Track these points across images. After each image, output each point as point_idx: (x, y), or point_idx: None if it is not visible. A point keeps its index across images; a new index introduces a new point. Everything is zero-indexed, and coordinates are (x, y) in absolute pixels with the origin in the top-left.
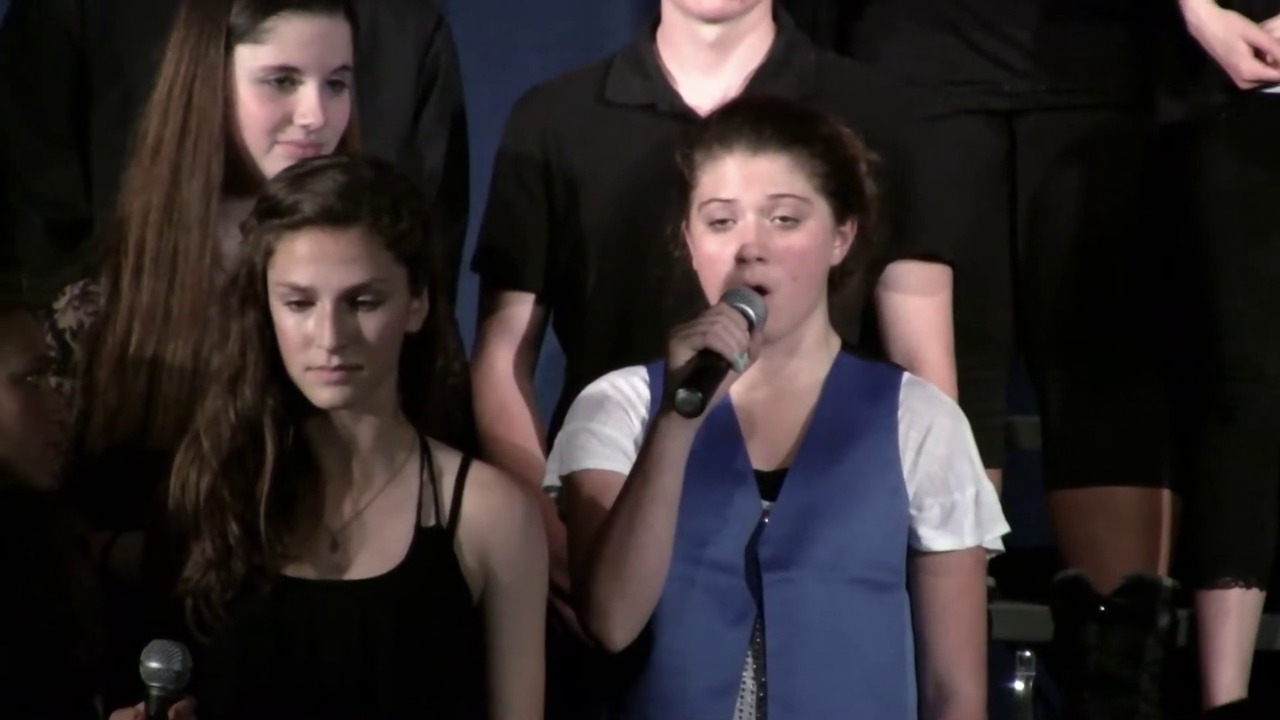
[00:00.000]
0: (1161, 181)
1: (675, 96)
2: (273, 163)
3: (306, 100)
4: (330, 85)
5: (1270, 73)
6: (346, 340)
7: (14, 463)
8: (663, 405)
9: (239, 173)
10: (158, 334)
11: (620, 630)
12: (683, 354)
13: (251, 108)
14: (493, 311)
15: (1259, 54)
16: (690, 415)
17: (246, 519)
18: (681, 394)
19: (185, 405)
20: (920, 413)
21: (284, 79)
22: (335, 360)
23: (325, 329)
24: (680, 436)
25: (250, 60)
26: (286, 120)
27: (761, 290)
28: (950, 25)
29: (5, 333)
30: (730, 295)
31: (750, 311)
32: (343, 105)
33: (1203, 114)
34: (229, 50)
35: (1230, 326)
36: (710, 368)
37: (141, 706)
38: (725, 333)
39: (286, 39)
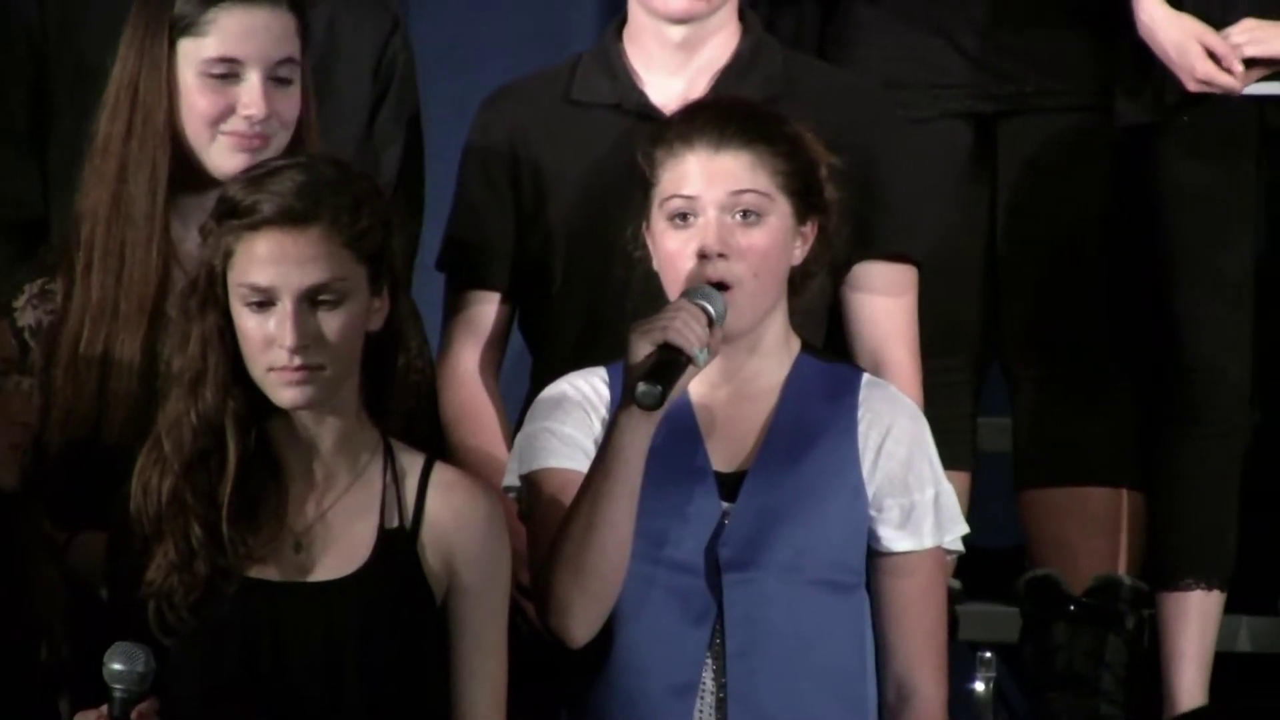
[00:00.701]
0: (1127, 182)
1: (641, 96)
2: (218, 154)
3: (249, 91)
4: (276, 78)
5: (1222, 77)
6: (308, 340)
7: None
8: (623, 399)
9: (190, 168)
10: (107, 329)
11: (580, 626)
12: (643, 348)
13: (195, 100)
14: (458, 311)
15: (1212, 58)
16: (650, 408)
17: (209, 521)
18: (641, 387)
19: (136, 401)
20: (880, 413)
21: (227, 72)
22: (297, 360)
23: (287, 329)
24: (640, 431)
25: (194, 53)
26: (230, 112)
27: (723, 286)
28: (937, 28)
29: None
30: (691, 292)
31: (710, 308)
32: (290, 98)
33: (1160, 115)
34: (173, 44)
35: (1193, 327)
36: (671, 362)
37: (105, 708)
38: (685, 328)
39: (227, 30)
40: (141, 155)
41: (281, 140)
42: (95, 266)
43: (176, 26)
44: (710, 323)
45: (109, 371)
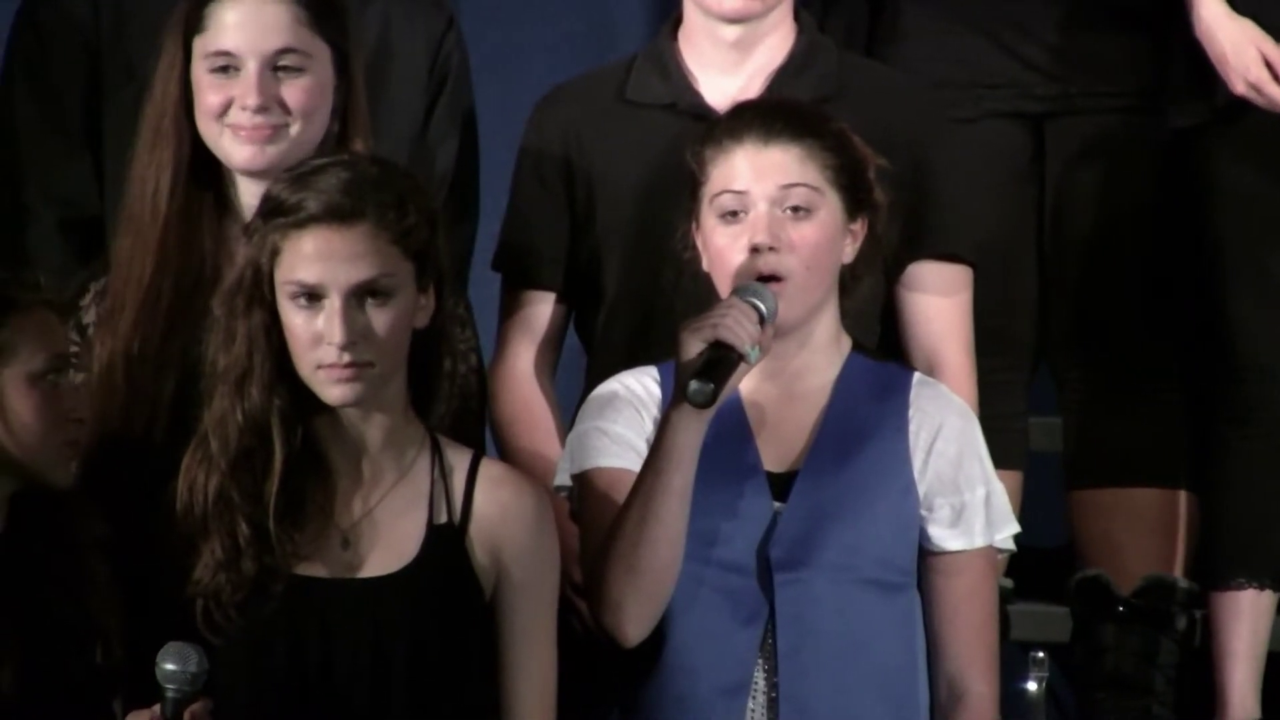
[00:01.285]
0: (1176, 183)
1: (696, 96)
2: (228, 147)
3: (244, 82)
4: (279, 68)
5: (1272, 87)
6: (357, 336)
7: (32, 462)
8: (674, 397)
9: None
10: (143, 328)
11: (633, 625)
12: (694, 346)
13: (202, 95)
14: (514, 311)
15: (1268, 66)
16: (702, 406)
17: (255, 519)
18: (693, 385)
19: (181, 399)
20: (930, 413)
21: (226, 65)
22: (346, 357)
23: (336, 325)
24: (692, 429)
25: (199, 49)
26: (231, 104)
27: (774, 279)
28: (983, 28)
29: (23, 331)
30: (741, 289)
31: (761, 305)
32: (300, 88)
33: (1213, 117)
34: (189, 44)
35: (1242, 329)
36: (722, 360)
37: (158, 708)
38: (737, 325)
39: (223, 24)
40: (163, 154)
41: (299, 130)
42: (135, 263)
43: (189, 26)
44: (761, 320)
45: (154, 370)
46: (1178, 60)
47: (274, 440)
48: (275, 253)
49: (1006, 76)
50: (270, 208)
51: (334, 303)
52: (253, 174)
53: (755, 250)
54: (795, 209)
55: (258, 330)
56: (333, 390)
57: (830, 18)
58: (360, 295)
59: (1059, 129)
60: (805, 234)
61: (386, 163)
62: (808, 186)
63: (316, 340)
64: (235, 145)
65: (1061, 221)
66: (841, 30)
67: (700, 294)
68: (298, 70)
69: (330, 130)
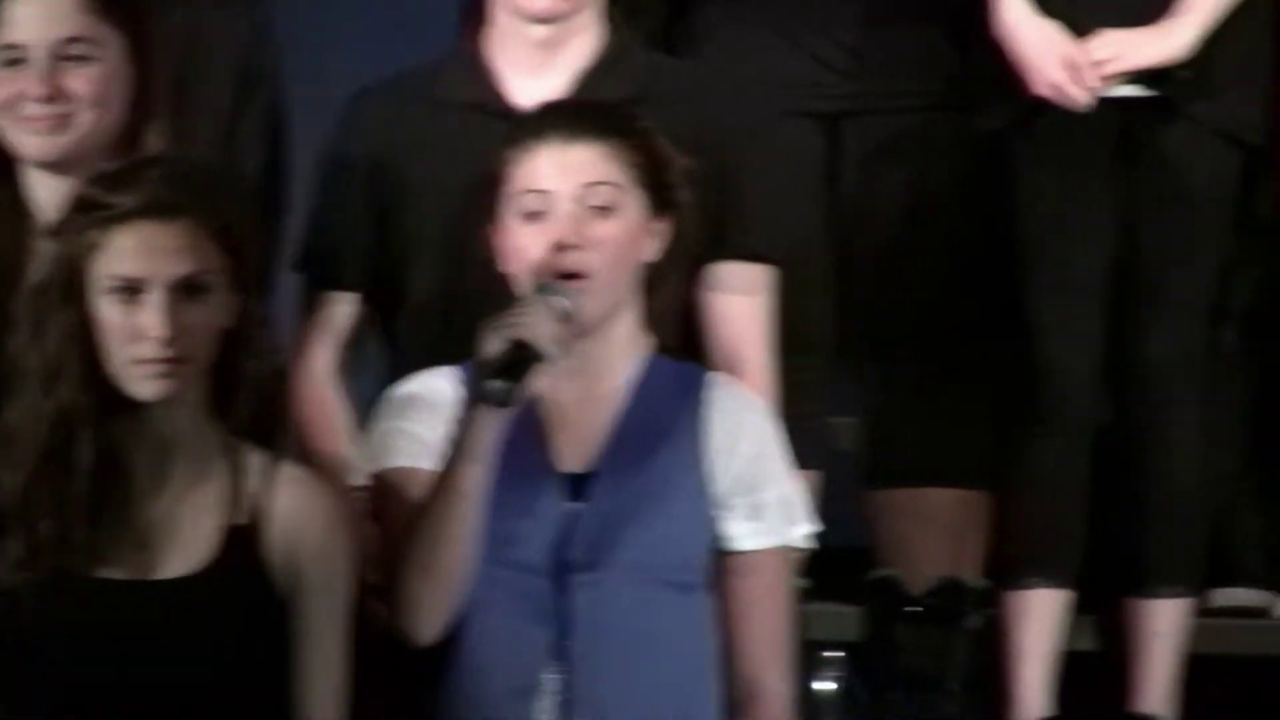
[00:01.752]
0: (981, 184)
1: (504, 96)
2: (18, 139)
3: (30, 73)
4: (65, 57)
5: (1072, 89)
6: (177, 331)
7: None
8: (473, 396)
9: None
10: None
11: (426, 625)
12: (494, 345)
13: None
14: (314, 311)
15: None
16: (501, 405)
17: (57, 519)
18: (492, 384)
19: None
20: (729, 412)
21: (14, 59)
22: (167, 352)
23: (157, 319)
24: (489, 428)
25: None
26: (21, 97)
27: (576, 276)
28: (781, 29)
29: None
30: (540, 288)
31: (561, 304)
32: (86, 76)
33: (1015, 118)
34: None
35: (1043, 329)
36: (522, 359)
37: None
38: (536, 324)
39: (11, 19)
40: None
41: (91, 120)
42: None
43: None
44: (561, 319)
45: None
46: (979, 60)
47: (80, 439)
48: (92, 248)
49: (804, 76)
50: (86, 204)
51: (155, 296)
52: (45, 165)
53: (558, 248)
54: (598, 207)
55: (70, 327)
56: (147, 385)
57: (634, 18)
58: (180, 290)
59: (857, 128)
60: (608, 232)
61: (199, 162)
62: (611, 185)
63: (134, 335)
64: (25, 136)
65: (860, 222)
66: (642, 31)
67: (502, 295)
68: (85, 59)
69: (127, 120)
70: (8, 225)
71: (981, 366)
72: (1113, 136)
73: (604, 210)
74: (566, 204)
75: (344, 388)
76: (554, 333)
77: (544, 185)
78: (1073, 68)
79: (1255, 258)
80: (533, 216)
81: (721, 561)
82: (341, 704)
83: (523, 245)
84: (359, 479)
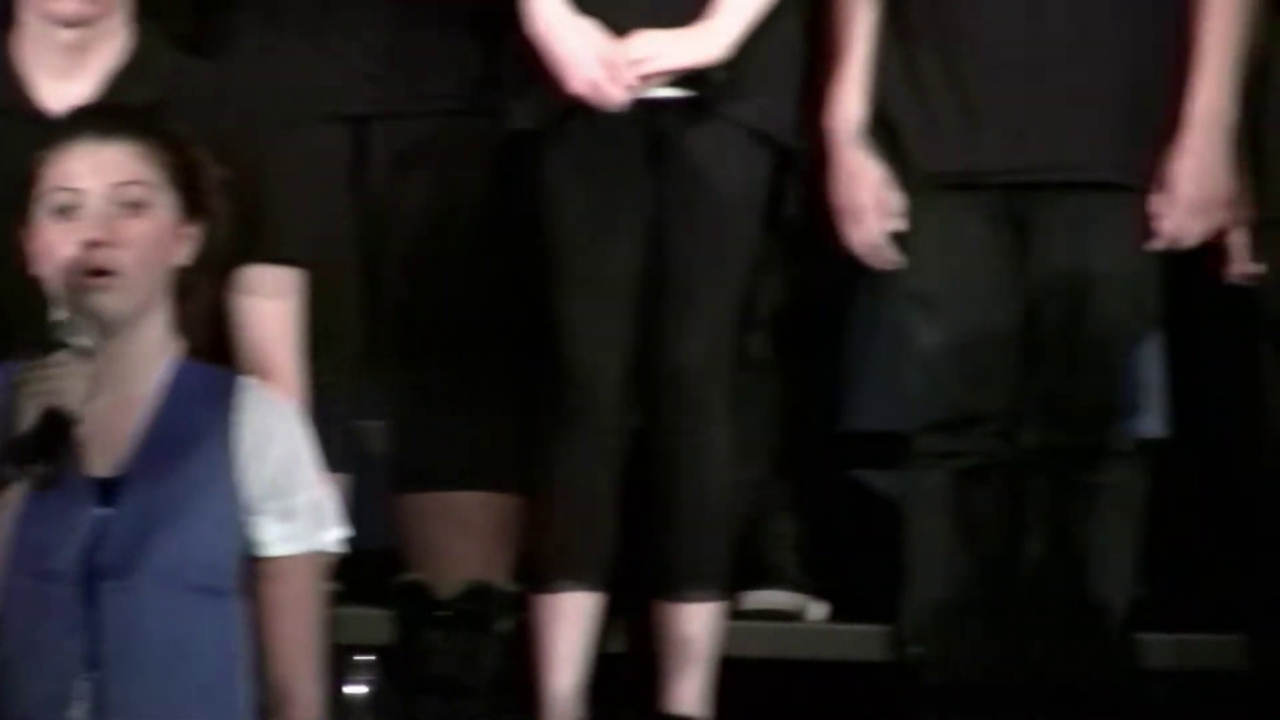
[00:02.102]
0: (511, 186)
1: (33, 100)
2: None
3: None
4: None
5: (608, 88)
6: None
7: None
8: (6, 477)
9: None
10: None
11: None
12: (28, 413)
13: None
14: None
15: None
16: (44, 485)
17: None
18: (32, 469)
19: None
20: (258, 416)
21: None
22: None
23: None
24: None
25: None
26: None
27: (106, 273)
28: (306, 32)
29: None
30: (58, 329)
31: (85, 343)
32: None
33: (547, 121)
34: None
35: (571, 330)
36: (55, 427)
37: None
38: (62, 385)
39: None
40: None
41: None
42: None
43: None
44: (84, 358)
45: None
46: (511, 60)
47: None
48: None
49: (332, 80)
50: None
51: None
52: None
53: (88, 245)
54: (129, 205)
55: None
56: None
57: (163, 20)
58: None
59: (383, 132)
60: (138, 230)
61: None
62: (142, 184)
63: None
64: None
65: (386, 226)
66: (172, 34)
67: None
68: None
69: None
70: None
71: (511, 370)
72: (644, 139)
73: (135, 208)
74: (98, 202)
75: None
76: (83, 390)
77: (75, 183)
78: (610, 66)
79: (783, 260)
80: (64, 214)
81: (254, 567)
82: None
83: (53, 242)
84: None
